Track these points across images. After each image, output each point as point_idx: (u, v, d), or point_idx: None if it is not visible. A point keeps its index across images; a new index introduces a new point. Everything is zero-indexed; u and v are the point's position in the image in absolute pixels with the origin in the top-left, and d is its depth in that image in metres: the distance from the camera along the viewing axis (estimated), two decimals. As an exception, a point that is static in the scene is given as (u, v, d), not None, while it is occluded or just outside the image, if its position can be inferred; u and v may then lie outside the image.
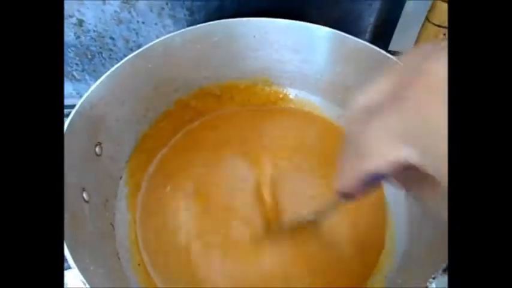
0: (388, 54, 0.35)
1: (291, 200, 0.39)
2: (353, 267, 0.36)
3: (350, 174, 0.19)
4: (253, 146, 0.44)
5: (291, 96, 0.48)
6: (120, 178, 0.39)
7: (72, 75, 0.51)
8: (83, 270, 0.24)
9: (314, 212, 0.33)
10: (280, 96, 0.47)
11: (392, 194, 0.39)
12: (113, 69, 0.35)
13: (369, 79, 0.35)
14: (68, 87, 0.52)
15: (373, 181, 0.19)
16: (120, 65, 0.35)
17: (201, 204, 0.39)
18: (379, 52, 0.36)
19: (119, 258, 0.34)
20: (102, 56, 0.48)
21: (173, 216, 0.39)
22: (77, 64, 0.50)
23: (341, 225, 0.37)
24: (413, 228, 0.36)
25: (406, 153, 0.16)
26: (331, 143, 0.44)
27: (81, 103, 0.32)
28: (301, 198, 0.39)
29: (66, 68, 0.49)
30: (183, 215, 0.39)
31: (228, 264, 0.36)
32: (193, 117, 0.46)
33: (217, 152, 0.44)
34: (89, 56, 0.49)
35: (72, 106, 0.32)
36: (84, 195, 0.32)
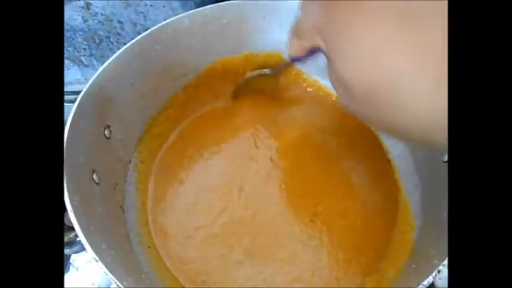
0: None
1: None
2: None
3: (295, 47, 0.26)
4: (265, 134, 0.44)
5: (301, 82, 0.47)
6: (130, 162, 0.39)
7: (80, 60, 0.50)
8: (95, 249, 0.24)
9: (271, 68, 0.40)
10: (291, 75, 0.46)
11: (405, 172, 0.38)
12: (121, 50, 0.34)
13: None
14: (76, 73, 0.52)
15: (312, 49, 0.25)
16: (128, 46, 0.35)
17: (211, 190, 0.39)
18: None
19: (129, 240, 0.34)
20: (109, 41, 0.48)
21: (183, 202, 0.39)
22: (84, 49, 0.50)
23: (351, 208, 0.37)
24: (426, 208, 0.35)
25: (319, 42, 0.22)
26: (345, 128, 0.44)
27: (90, 84, 0.32)
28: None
29: (74, 53, 0.49)
30: (194, 200, 0.39)
31: (239, 249, 0.35)
32: (202, 103, 0.45)
33: (227, 139, 0.43)
34: (97, 41, 0.48)
35: (79, 92, 0.31)
36: (94, 176, 0.32)
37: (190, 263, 0.35)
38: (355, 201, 0.38)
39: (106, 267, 0.23)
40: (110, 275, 0.22)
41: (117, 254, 0.28)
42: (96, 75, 0.32)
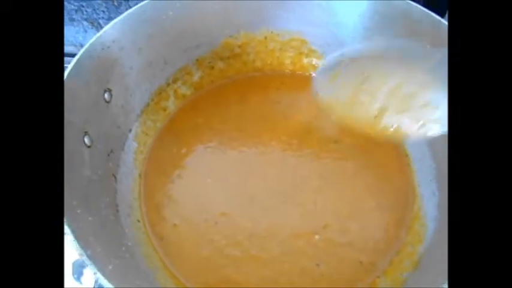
0: (442, 19, 0.30)
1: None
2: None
3: None
4: (277, 119, 0.41)
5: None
6: (130, 131, 0.37)
7: (98, 23, 0.49)
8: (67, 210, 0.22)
9: None
10: (311, 64, 0.43)
11: (424, 178, 0.35)
12: (131, 10, 0.32)
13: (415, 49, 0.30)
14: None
15: None
16: (138, 7, 0.33)
17: (216, 171, 0.37)
18: (431, 16, 0.30)
19: (117, 211, 0.33)
20: (128, 5, 0.46)
21: (184, 182, 0.37)
22: (103, 11, 0.48)
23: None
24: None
25: None
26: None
27: (92, 42, 0.30)
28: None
29: (93, 15, 0.48)
30: (196, 180, 0.37)
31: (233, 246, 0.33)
32: (215, 78, 0.43)
33: (238, 119, 0.41)
34: (115, 3, 0.47)
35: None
36: (86, 139, 0.30)
37: (180, 248, 0.33)
38: (369, 204, 0.35)
39: (73, 232, 0.21)
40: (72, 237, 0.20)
41: (95, 221, 0.26)
42: (99, 33, 0.31)
